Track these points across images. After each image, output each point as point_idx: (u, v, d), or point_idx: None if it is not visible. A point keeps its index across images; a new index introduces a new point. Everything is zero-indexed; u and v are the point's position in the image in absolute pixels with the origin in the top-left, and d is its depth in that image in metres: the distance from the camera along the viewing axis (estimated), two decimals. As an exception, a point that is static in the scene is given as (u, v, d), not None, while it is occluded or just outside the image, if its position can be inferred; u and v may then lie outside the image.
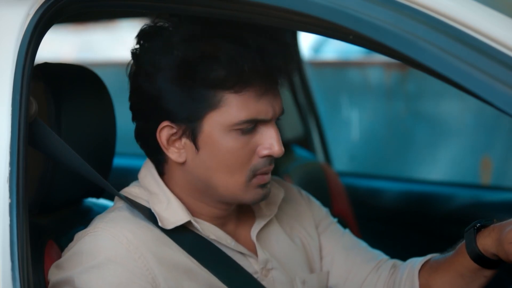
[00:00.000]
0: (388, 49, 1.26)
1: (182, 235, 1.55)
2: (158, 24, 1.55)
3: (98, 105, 1.71)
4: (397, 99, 4.48)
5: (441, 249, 1.68)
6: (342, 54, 5.91)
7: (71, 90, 1.65)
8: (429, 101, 4.40)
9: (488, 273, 1.57)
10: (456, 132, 4.33)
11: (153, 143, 1.54)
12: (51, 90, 1.59)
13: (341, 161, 4.21)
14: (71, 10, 1.48)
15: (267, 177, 1.56)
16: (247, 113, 1.49)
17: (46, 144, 1.49)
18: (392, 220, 3.16)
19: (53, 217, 1.67)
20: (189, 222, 1.56)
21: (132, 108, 1.59)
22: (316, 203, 1.79)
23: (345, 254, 1.73)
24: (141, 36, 1.56)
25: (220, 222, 1.61)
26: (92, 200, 1.78)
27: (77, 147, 1.52)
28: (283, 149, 1.52)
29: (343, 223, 1.86)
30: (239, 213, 1.64)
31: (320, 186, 2.82)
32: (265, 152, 1.52)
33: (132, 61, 1.57)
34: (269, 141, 1.52)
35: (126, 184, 1.63)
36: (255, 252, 1.62)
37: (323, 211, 1.79)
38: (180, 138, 1.52)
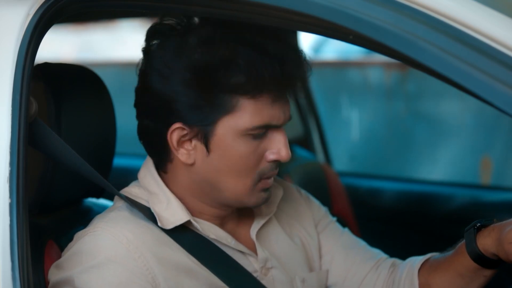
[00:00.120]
0: (388, 49, 1.26)
1: (182, 235, 1.55)
2: (170, 23, 1.54)
3: (98, 105, 1.70)
4: (397, 99, 4.48)
5: (441, 249, 1.68)
6: (342, 54, 5.91)
7: (71, 90, 1.65)
8: (429, 101, 4.40)
9: (488, 272, 1.57)
10: (456, 132, 4.33)
11: (160, 142, 1.54)
12: (51, 90, 1.59)
13: (341, 161, 4.21)
14: (71, 10, 1.48)
15: (271, 181, 1.57)
16: (261, 118, 1.50)
17: (46, 144, 1.49)
18: (392, 220, 3.16)
19: (53, 217, 1.67)
20: (189, 222, 1.56)
21: (139, 106, 1.57)
22: (315, 202, 1.79)
23: (345, 253, 1.73)
24: (154, 34, 1.55)
25: (220, 222, 1.61)
26: (92, 200, 1.78)
27: (77, 147, 1.52)
28: (290, 154, 1.54)
29: (343, 223, 1.86)
30: (238, 212, 1.64)
31: (320, 186, 2.82)
32: (273, 157, 1.53)
33: (143, 59, 1.56)
34: (277, 146, 1.53)
35: (126, 184, 1.63)
36: (254, 251, 1.62)
37: (322, 210, 1.79)
38: (190, 139, 1.52)
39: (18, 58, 1.40)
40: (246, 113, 1.49)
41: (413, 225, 3.12)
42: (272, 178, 1.57)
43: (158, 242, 1.53)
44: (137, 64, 1.57)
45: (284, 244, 1.68)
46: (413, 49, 1.24)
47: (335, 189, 2.90)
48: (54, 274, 1.51)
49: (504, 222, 1.52)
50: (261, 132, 1.51)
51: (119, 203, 1.59)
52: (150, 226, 1.54)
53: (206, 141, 1.51)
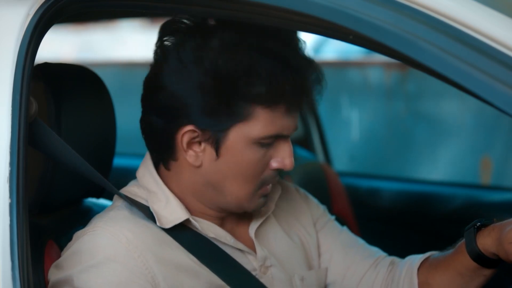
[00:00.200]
0: (388, 49, 1.26)
1: (181, 234, 1.55)
2: (186, 21, 1.53)
3: (98, 105, 1.70)
4: (397, 99, 4.48)
5: (441, 249, 1.68)
6: (342, 54, 5.91)
7: (71, 90, 1.65)
8: (429, 101, 4.40)
9: (487, 272, 1.57)
10: (456, 132, 4.33)
11: (167, 141, 1.54)
12: (51, 90, 1.59)
13: (341, 161, 4.21)
14: (71, 10, 1.48)
15: (270, 187, 1.59)
16: (274, 128, 1.51)
17: (46, 144, 1.49)
18: (392, 220, 3.16)
19: (53, 217, 1.67)
20: (188, 221, 1.56)
21: (148, 102, 1.56)
22: (314, 201, 1.80)
23: (343, 251, 1.74)
24: (169, 31, 1.54)
25: (219, 221, 1.61)
26: (92, 200, 1.78)
27: (77, 147, 1.52)
28: (294, 164, 1.56)
29: (343, 223, 1.86)
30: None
31: (320, 186, 2.82)
32: (278, 165, 1.55)
33: (157, 55, 1.54)
34: (282, 155, 1.55)
35: (126, 184, 1.63)
36: (253, 250, 1.63)
37: (321, 208, 1.79)
38: (200, 142, 1.52)
39: (18, 58, 1.40)
40: (260, 122, 1.50)
41: (413, 225, 3.12)
42: (271, 184, 1.59)
43: (157, 241, 1.53)
44: (154, 58, 1.55)
45: (283, 242, 1.69)
46: (413, 49, 1.24)
47: (335, 189, 2.90)
48: (53, 274, 1.51)
49: (504, 222, 1.53)
50: (270, 141, 1.52)
51: (118, 202, 1.59)
52: (149, 225, 1.54)
53: (216, 145, 1.51)
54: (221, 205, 1.58)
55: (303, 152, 3.18)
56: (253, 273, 1.60)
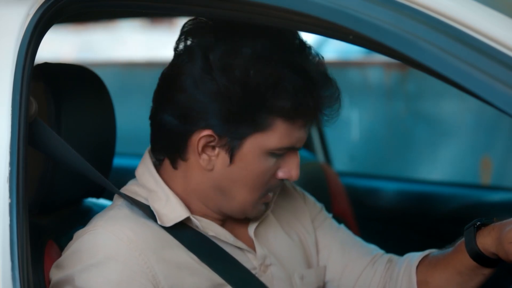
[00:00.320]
0: (388, 49, 1.26)
1: (181, 232, 1.56)
2: (213, 25, 1.52)
3: (98, 105, 1.70)
4: (397, 99, 4.48)
5: (440, 249, 1.68)
6: (342, 54, 5.91)
7: (71, 90, 1.65)
8: (429, 101, 4.40)
9: (486, 271, 1.57)
10: (456, 132, 4.32)
11: (180, 141, 1.53)
12: (51, 90, 1.59)
13: (341, 161, 4.21)
14: (71, 10, 1.48)
15: (271, 195, 1.61)
16: (289, 141, 1.52)
17: (46, 144, 1.49)
18: (392, 220, 3.16)
19: (53, 217, 1.67)
20: (188, 219, 1.56)
21: (164, 101, 1.54)
22: (311, 198, 1.81)
23: (341, 249, 1.74)
24: (195, 34, 1.53)
25: (219, 221, 1.61)
26: (92, 200, 1.78)
27: (77, 147, 1.52)
28: (299, 175, 1.57)
29: (343, 223, 1.86)
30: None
31: (320, 186, 2.82)
32: (284, 175, 1.56)
33: (183, 57, 1.53)
34: (290, 166, 1.56)
35: (126, 184, 1.63)
36: (253, 249, 1.63)
37: (318, 206, 1.80)
38: (214, 147, 1.52)
39: (18, 58, 1.40)
40: (277, 134, 1.51)
41: (413, 225, 3.12)
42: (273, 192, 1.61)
43: (158, 240, 1.53)
44: (177, 58, 1.54)
45: (282, 241, 1.69)
46: (413, 49, 1.24)
47: (335, 189, 2.89)
48: (54, 274, 1.51)
49: (504, 221, 1.53)
50: (283, 152, 1.54)
51: (118, 201, 1.59)
52: (150, 224, 1.54)
53: (231, 152, 1.51)
54: (224, 209, 1.58)
55: (303, 152, 3.17)
56: (253, 271, 1.60)
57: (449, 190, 3.30)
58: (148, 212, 1.55)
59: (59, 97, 1.60)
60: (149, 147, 1.63)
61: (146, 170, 1.60)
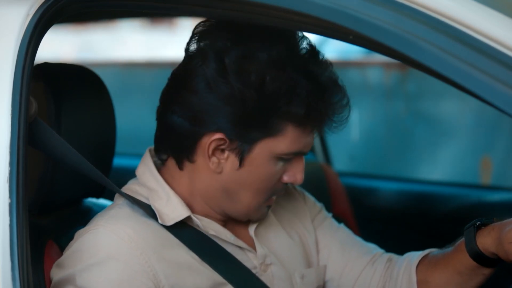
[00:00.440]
0: (388, 49, 1.26)
1: (182, 231, 1.56)
2: (226, 27, 1.51)
3: (98, 105, 1.71)
4: (397, 99, 4.47)
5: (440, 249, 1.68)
6: (342, 54, 5.91)
7: (71, 90, 1.65)
8: (429, 101, 4.40)
9: (486, 271, 1.58)
10: (456, 132, 4.32)
11: (189, 143, 1.53)
12: (51, 90, 1.59)
13: (341, 161, 4.21)
14: (71, 10, 1.48)
15: (274, 198, 1.62)
16: (298, 146, 1.53)
17: (46, 143, 1.49)
18: (392, 220, 3.16)
19: (53, 217, 1.67)
20: (189, 218, 1.56)
21: (174, 103, 1.53)
22: (311, 198, 1.81)
23: (341, 248, 1.74)
24: (208, 36, 1.53)
25: (220, 222, 1.61)
26: (92, 200, 1.78)
27: (77, 147, 1.52)
28: (303, 179, 1.57)
29: (343, 223, 1.86)
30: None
31: (320, 186, 2.82)
32: (289, 179, 1.57)
33: (196, 59, 1.52)
34: (295, 171, 1.57)
35: (126, 184, 1.63)
36: (254, 248, 1.63)
37: (318, 206, 1.80)
38: (224, 150, 1.52)
39: (18, 58, 1.40)
40: (287, 139, 1.51)
41: (413, 225, 3.12)
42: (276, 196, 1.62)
43: (159, 239, 1.53)
44: (190, 59, 1.53)
45: (282, 240, 1.69)
46: (413, 49, 1.24)
47: (335, 189, 2.89)
48: (55, 273, 1.52)
49: (504, 221, 1.53)
50: (290, 157, 1.54)
51: (119, 200, 1.59)
52: (150, 223, 1.54)
53: (241, 156, 1.52)
54: (228, 211, 1.59)
55: (303, 152, 3.18)
56: (253, 271, 1.60)
57: (449, 190, 3.30)
58: (149, 211, 1.55)
59: (59, 97, 1.60)
60: (149, 146, 1.63)
61: (146, 169, 1.60)
